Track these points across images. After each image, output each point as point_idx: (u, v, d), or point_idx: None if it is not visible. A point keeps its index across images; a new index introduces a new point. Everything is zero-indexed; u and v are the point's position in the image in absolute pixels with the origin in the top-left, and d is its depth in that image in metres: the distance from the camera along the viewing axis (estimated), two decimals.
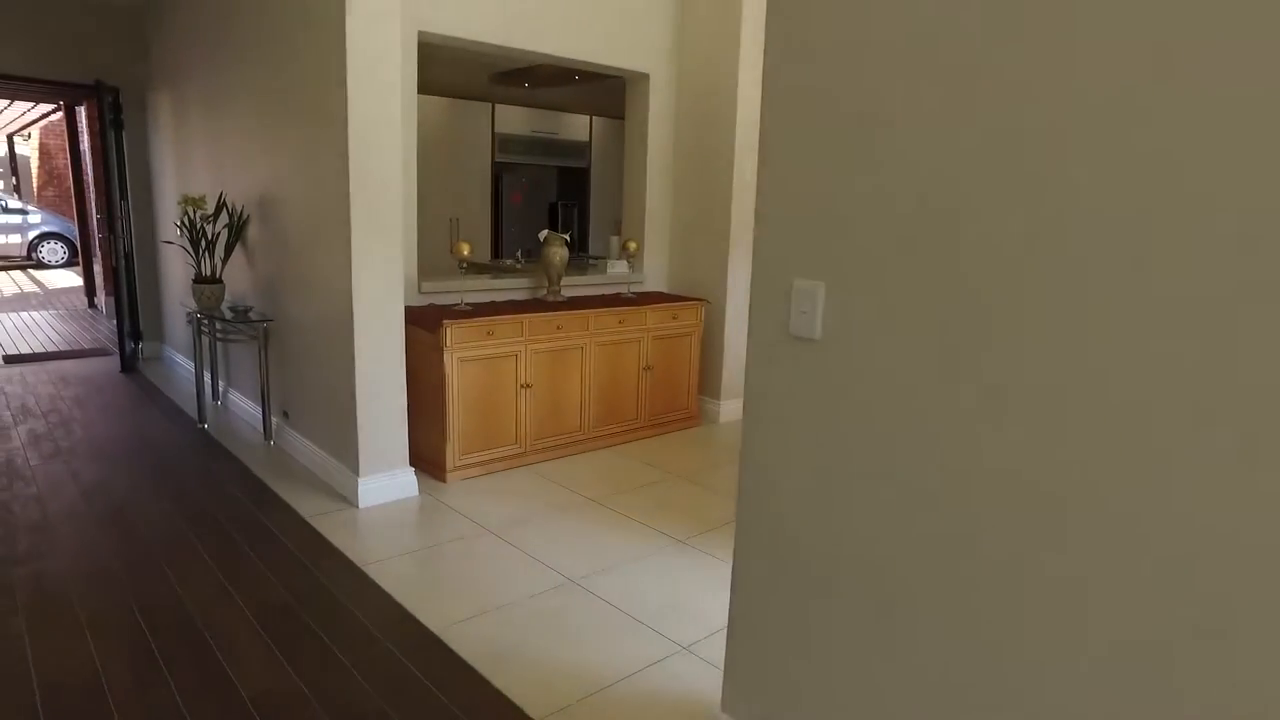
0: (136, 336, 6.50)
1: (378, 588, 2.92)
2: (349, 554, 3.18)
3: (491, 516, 3.60)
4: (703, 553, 3.30)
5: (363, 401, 3.59)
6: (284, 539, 3.29)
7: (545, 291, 4.62)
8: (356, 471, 3.64)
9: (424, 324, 3.91)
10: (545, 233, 4.49)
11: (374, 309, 3.55)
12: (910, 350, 1.50)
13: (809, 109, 1.65)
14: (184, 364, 6.03)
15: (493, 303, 4.43)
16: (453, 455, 3.99)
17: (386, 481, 3.71)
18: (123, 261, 6.13)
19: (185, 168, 5.55)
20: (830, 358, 1.67)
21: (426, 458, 4.11)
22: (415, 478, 3.83)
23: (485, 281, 4.53)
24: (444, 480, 3.99)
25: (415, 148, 4.11)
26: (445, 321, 3.81)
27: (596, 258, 6.64)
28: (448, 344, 3.84)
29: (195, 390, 4.88)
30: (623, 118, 8.94)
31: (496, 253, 7.87)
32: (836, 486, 1.68)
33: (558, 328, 4.28)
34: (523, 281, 4.66)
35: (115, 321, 6.41)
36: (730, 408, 5.39)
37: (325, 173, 3.59)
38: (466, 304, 4.27)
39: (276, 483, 3.92)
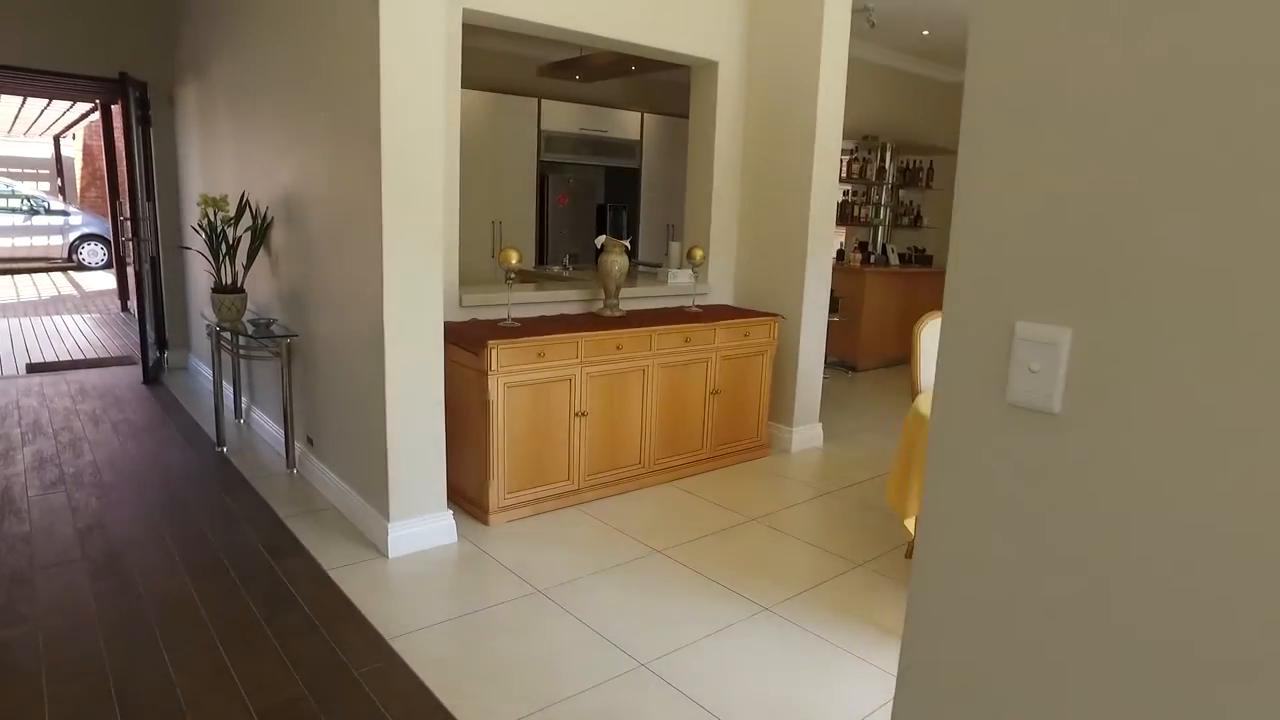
0: (162, 345, 6.11)
1: (407, 670, 2.40)
2: (375, 621, 2.67)
3: (542, 572, 3.07)
4: (794, 624, 2.74)
5: (394, 434, 3.09)
6: (300, 599, 2.80)
7: (601, 305, 4.10)
8: (386, 515, 3.14)
9: (466, 343, 3.41)
10: (603, 238, 3.97)
11: (409, 325, 3.05)
12: (1216, 445, 0.91)
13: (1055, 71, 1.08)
14: (209, 375, 5.62)
15: (542, 318, 3.92)
16: (497, 494, 3.48)
17: (420, 527, 3.21)
18: (147, 265, 5.74)
19: (211, 167, 5.13)
20: (1076, 441, 1.08)
21: (467, 495, 3.61)
22: (454, 521, 3.32)
23: (534, 293, 4.02)
24: (486, 523, 3.47)
25: (458, 144, 3.61)
26: (491, 342, 3.30)
27: (649, 265, 6.12)
28: (493, 367, 3.33)
29: (215, 407, 4.45)
30: (676, 114, 8.47)
31: (541, 259, 7.39)
32: (1080, 662, 1.08)
33: (617, 347, 3.75)
34: (575, 293, 4.14)
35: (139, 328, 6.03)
36: (803, 435, 4.81)
37: (355, 170, 3.10)
38: (514, 319, 3.76)
39: (297, 523, 3.44)
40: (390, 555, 3.13)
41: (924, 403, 2.89)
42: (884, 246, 7.71)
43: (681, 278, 4.68)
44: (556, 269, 6.08)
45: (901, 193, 7.98)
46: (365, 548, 3.21)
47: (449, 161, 3.57)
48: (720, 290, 4.89)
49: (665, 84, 8.34)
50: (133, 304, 8.92)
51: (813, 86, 4.39)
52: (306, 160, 3.59)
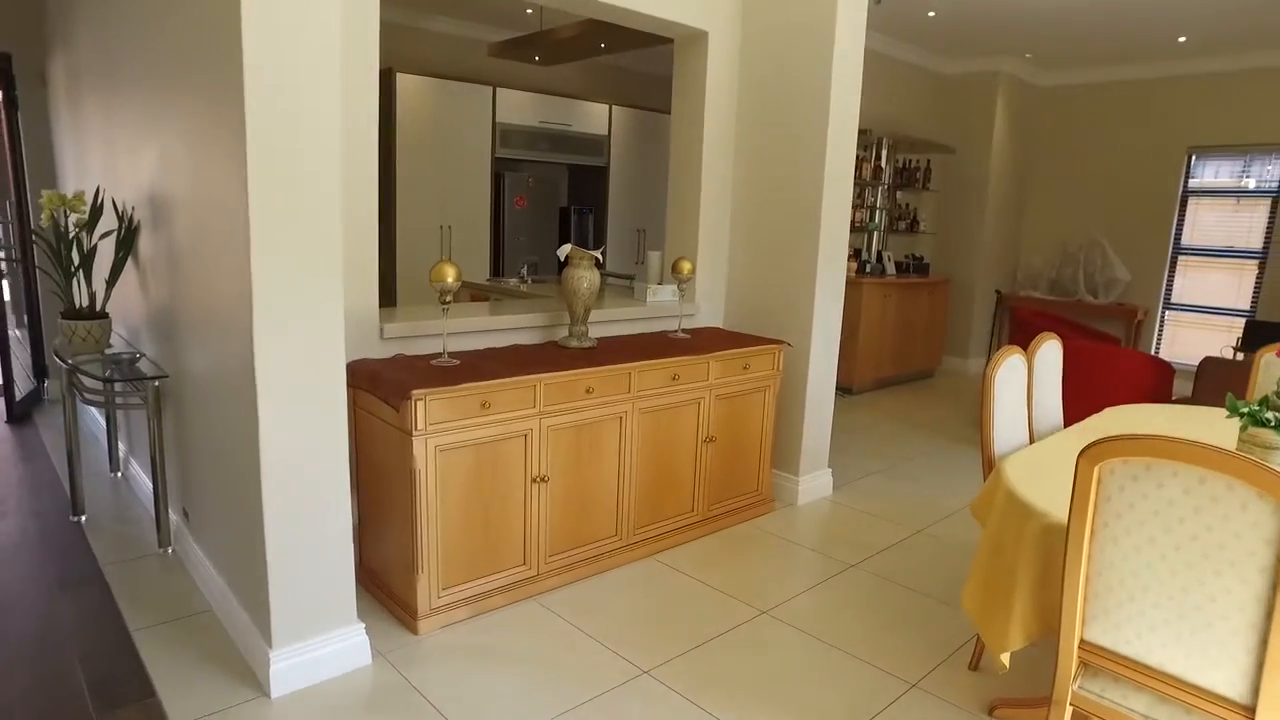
0: (40, 374, 5.12)
1: None
2: None
3: (486, 716, 2.20)
4: None
5: (275, 525, 2.20)
6: None
7: (566, 332, 3.24)
8: (268, 639, 2.25)
9: (384, 391, 2.53)
10: (567, 248, 3.11)
11: (292, 370, 2.16)
12: None
13: None
14: (98, 413, 4.63)
15: (490, 351, 3.05)
16: (428, 593, 2.60)
17: (319, 651, 2.32)
18: (6, 277, 4.76)
19: (83, 158, 4.16)
20: None
21: (390, 590, 2.73)
22: (366, 638, 2.44)
23: (478, 319, 3.14)
24: (415, 630, 2.59)
25: (374, 135, 2.73)
26: (417, 391, 2.42)
27: (619, 276, 5.28)
28: (420, 426, 2.45)
29: (84, 463, 3.49)
30: (648, 108, 7.66)
31: (497, 269, 6.51)
32: None
33: (587, 390, 2.90)
34: (533, 318, 3.27)
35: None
36: (811, 485, 3.99)
37: (217, 163, 2.21)
38: (451, 355, 2.88)
39: (151, 641, 2.53)
40: (273, 695, 2.24)
41: (1016, 479, 2.08)
42: (879, 254, 6.96)
43: (663, 295, 3.84)
44: (513, 281, 5.21)
45: (898, 194, 7.24)
46: (243, 682, 2.31)
47: (360, 157, 2.69)
48: (709, 310, 4.06)
49: (636, 75, 7.51)
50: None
51: (825, 60, 3.58)
52: (169, 148, 2.69)
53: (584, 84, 7.20)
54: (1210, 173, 7.09)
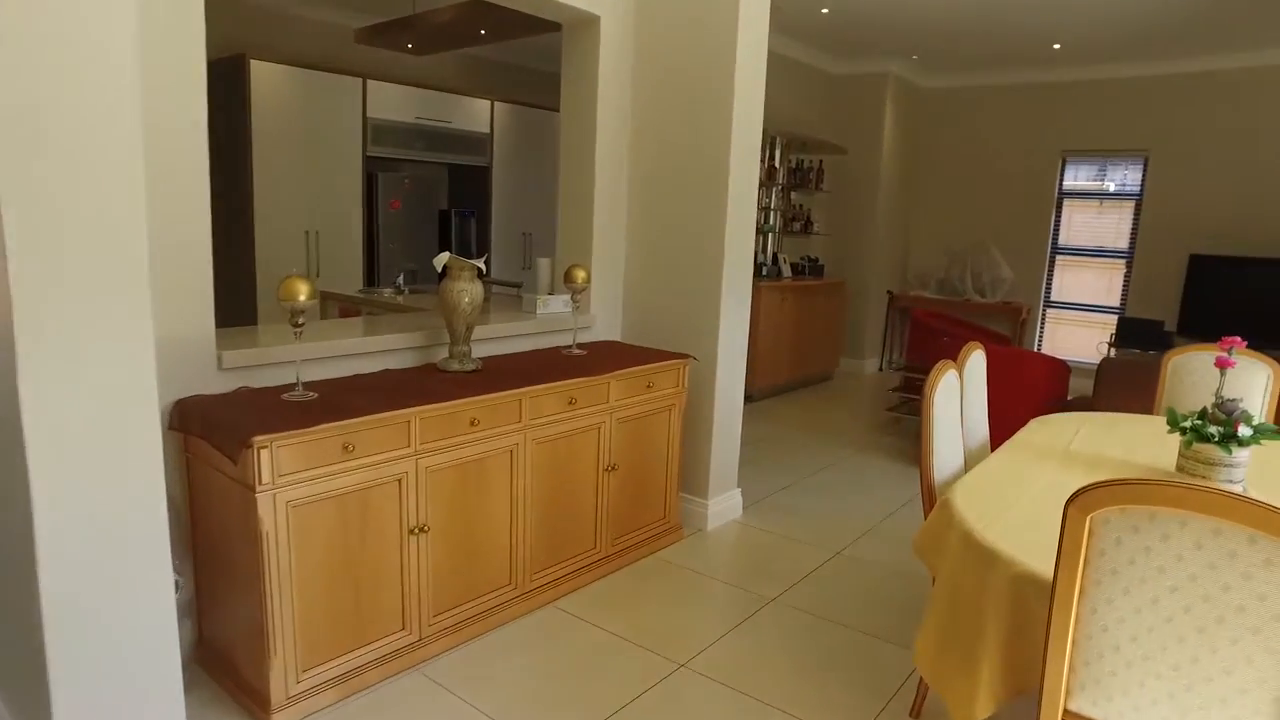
0: None
1: None
2: None
3: None
4: None
5: (58, 617, 1.71)
6: None
7: (446, 353, 2.83)
8: None
9: (218, 436, 2.06)
10: (445, 258, 2.70)
11: (78, 411, 1.68)
12: None
13: None
14: None
15: (356, 379, 2.60)
16: (284, 678, 2.14)
17: None
18: None
19: None
20: None
21: (237, 675, 2.25)
22: None
23: (343, 340, 2.68)
24: None
25: (202, 118, 2.25)
26: (260, 438, 1.97)
27: (505, 285, 4.87)
28: (264, 478, 2.00)
29: None
30: (532, 104, 7.25)
31: (371, 279, 5.96)
32: None
33: (472, 423, 2.50)
34: (407, 337, 2.84)
35: None
36: (722, 508, 3.71)
37: None
38: (307, 387, 2.42)
39: None
40: None
41: (971, 516, 1.83)
42: (775, 256, 6.80)
43: (555, 307, 3.47)
44: (388, 292, 4.72)
45: (792, 195, 7.11)
46: None
47: (185, 156, 2.20)
48: (607, 322, 3.72)
49: (520, 70, 7.09)
50: None
51: (729, 47, 3.30)
52: None
53: (464, 78, 6.73)
54: (1076, 176, 7.30)
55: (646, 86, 3.57)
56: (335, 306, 4.66)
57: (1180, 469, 2.22)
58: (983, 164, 7.61)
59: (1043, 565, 1.60)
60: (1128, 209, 7.09)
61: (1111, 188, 7.19)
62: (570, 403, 2.83)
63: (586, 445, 2.95)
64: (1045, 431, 2.70)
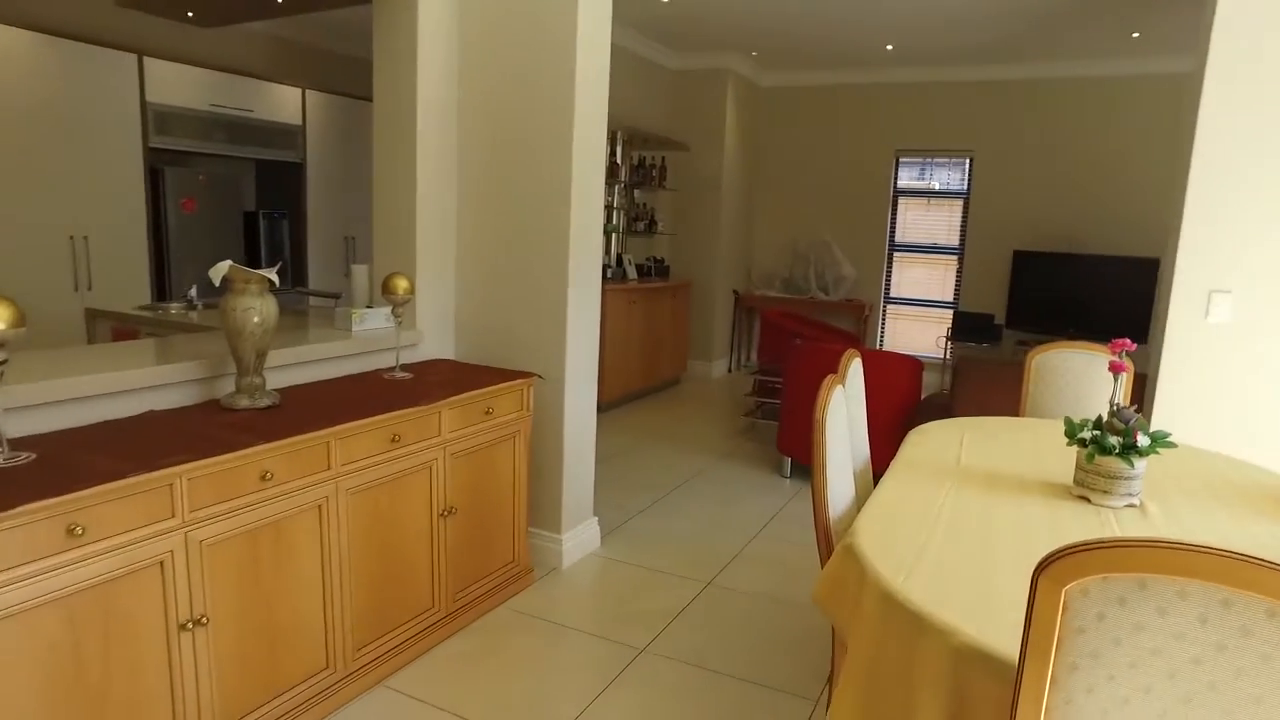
0: None
1: None
2: None
3: None
4: None
5: None
6: None
7: (234, 387, 2.26)
8: None
9: None
10: (224, 267, 2.13)
11: None
12: None
13: None
14: None
15: (105, 425, 2.00)
16: None
17: None
18: None
19: None
20: None
21: None
22: None
23: (80, 379, 2.05)
24: None
25: None
26: None
27: (325, 295, 4.26)
28: None
29: None
30: (350, 94, 6.54)
31: (161, 292, 5.11)
32: None
33: (264, 476, 1.96)
34: (179, 369, 2.24)
35: None
36: (578, 542, 3.31)
37: None
38: (22, 445, 1.81)
39: None
40: None
41: (886, 568, 1.52)
42: (620, 257, 6.49)
43: (374, 322, 2.95)
44: (177, 308, 3.98)
45: (635, 193, 6.81)
46: None
47: None
48: (437, 338, 3.23)
49: (334, 56, 6.37)
50: None
51: (569, 27, 2.90)
52: None
53: (269, 62, 5.95)
54: (907, 176, 7.47)
55: (475, 69, 3.11)
56: (108, 327, 3.88)
57: (1080, 483, 2.04)
58: (822, 162, 7.64)
59: (986, 632, 1.31)
60: (957, 207, 7.31)
61: (936, 186, 7.40)
62: (393, 440, 2.34)
63: (416, 489, 2.47)
64: (928, 445, 2.48)
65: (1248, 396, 3.26)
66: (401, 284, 2.64)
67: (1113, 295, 6.44)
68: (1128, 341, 2.11)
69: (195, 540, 1.80)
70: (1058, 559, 1.05)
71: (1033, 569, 1.08)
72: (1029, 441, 2.57)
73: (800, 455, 4.47)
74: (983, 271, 7.15)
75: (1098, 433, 2.01)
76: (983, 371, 4.08)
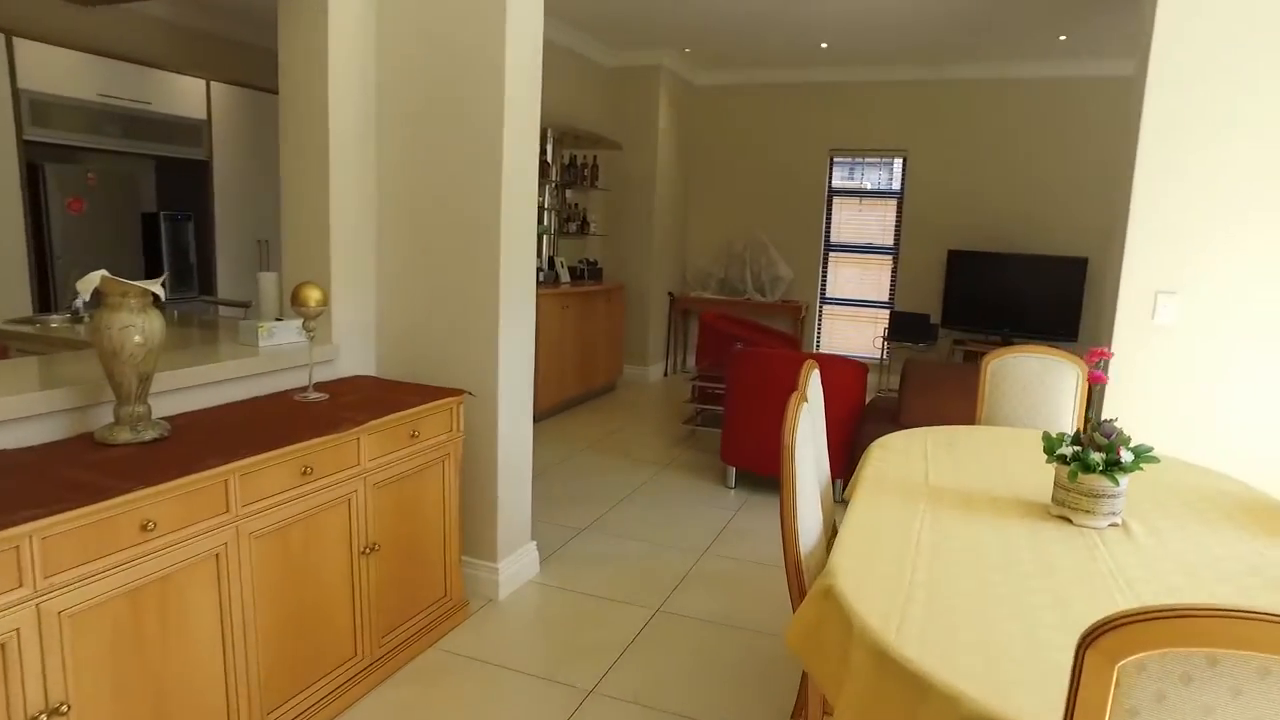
0: None
1: None
2: None
3: None
4: None
5: None
6: None
7: (112, 418, 1.95)
8: None
9: None
10: (95, 278, 1.83)
11: None
12: None
13: None
14: None
15: None
16: None
17: None
18: None
19: None
20: None
21: None
22: None
23: None
24: None
25: None
26: None
27: (233, 304, 3.90)
28: None
29: None
30: (259, 87, 6.10)
31: (45, 303, 4.65)
32: None
33: (146, 527, 1.67)
34: (41, 398, 1.92)
35: None
36: (515, 570, 3.07)
37: None
38: None
39: None
40: None
41: (875, 619, 1.34)
42: (552, 260, 6.24)
43: (283, 337, 2.65)
44: (59, 321, 3.58)
45: (568, 192, 6.57)
46: None
47: None
48: (356, 353, 2.94)
49: (241, 46, 5.94)
50: None
51: (497, 15, 2.66)
52: None
53: (167, 51, 5.50)
54: (841, 175, 7.43)
55: (396, 57, 2.84)
56: None
57: (1060, 502, 1.90)
58: (757, 162, 7.53)
59: (997, 695, 1.13)
60: (891, 207, 7.29)
61: (869, 186, 7.37)
62: (305, 473, 2.06)
63: (332, 526, 2.19)
64: (891, 460, 2.33)
65: (1196, 398, 3.22)
66: (312, 294, 2.35)
67: (1043, 294, 6.49)
68: (1105, 351, 1.98)
69: (51, 612, 1.50)
70: (1109, 630, 0.87)
71: (1041, 621, 0.90)
72: (994, 453, 2.44)
73: (746, 465, 4.31)
74: (918, 271, 7.14)
75: (1078, 448, 1.88)
76: (930, 374, 3.99)
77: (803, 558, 1.74)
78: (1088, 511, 1.85)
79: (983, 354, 6.59)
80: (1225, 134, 3.05)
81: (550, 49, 6.06)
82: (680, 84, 7.29)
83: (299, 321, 2.59)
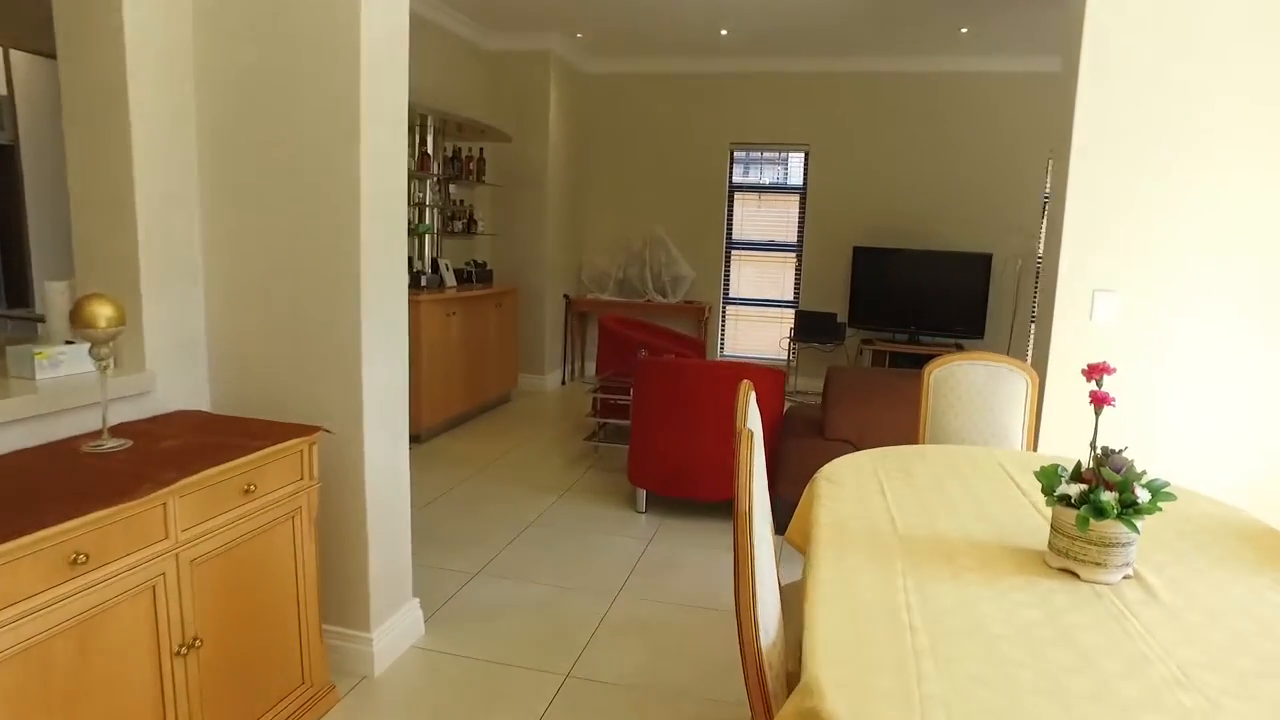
0: None
1: None
2: None
3: None
4: None
5: None
6: None
7: None
8: None
9: None
10: None
11: None
12: None
13: None
14: None
15: None
16: None
17: None
18: None
19: None
20: None
21: None
22: None
23: None
24: None
25: None
26: None
27: (29, 318, 3.18)
28: None
29: None
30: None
31: None
32: None
33: None
34: None
35: None
36: (394, 637, 2.54)
37: None
38: None
39: None
40: None
41: None
42: (435, 262, 5.66)
43: (76, 365, 2.04)
44: None
45: (451, 188, 5.99)
46: None
47: None
48: (181, 380, 2.34)
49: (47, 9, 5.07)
50: None
51: None
52: None
53: None
54: (742, 170, 7.15)
55: (217, 10, 2.26)
56: None
57: (1060, 552, 1.55)
58: (655, 156, 7.15)
59: None
60: (794, 202, 7.05)
61: (767, 181, 7.11)
62: (75, 562, 1.49)
63: (127, 625, 1.63)
64: (844, 498, 1.95)
65: (1140, 402, 3.01)
66: (101, 311, 1.77)
67: (949, 291, 6.38)
68: (1106, 365, 1.65)
69: None
70: None
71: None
72: (956, 483, 2.10)
73: (657, 487, 3.89)
74: (823, 269, 6.93)
75: (1084, 487, 1.54)
76: (855, 382, 3.68)
77: (764, 651, 1.32)
78: (1098, 564, 1.51)
79: (891, 353, 6.46)
80: (1161, 121, 2.86)
81: (425, 28, 5.49)
82: (572, 72, 6.83)
83: (93, 351, 1.98)
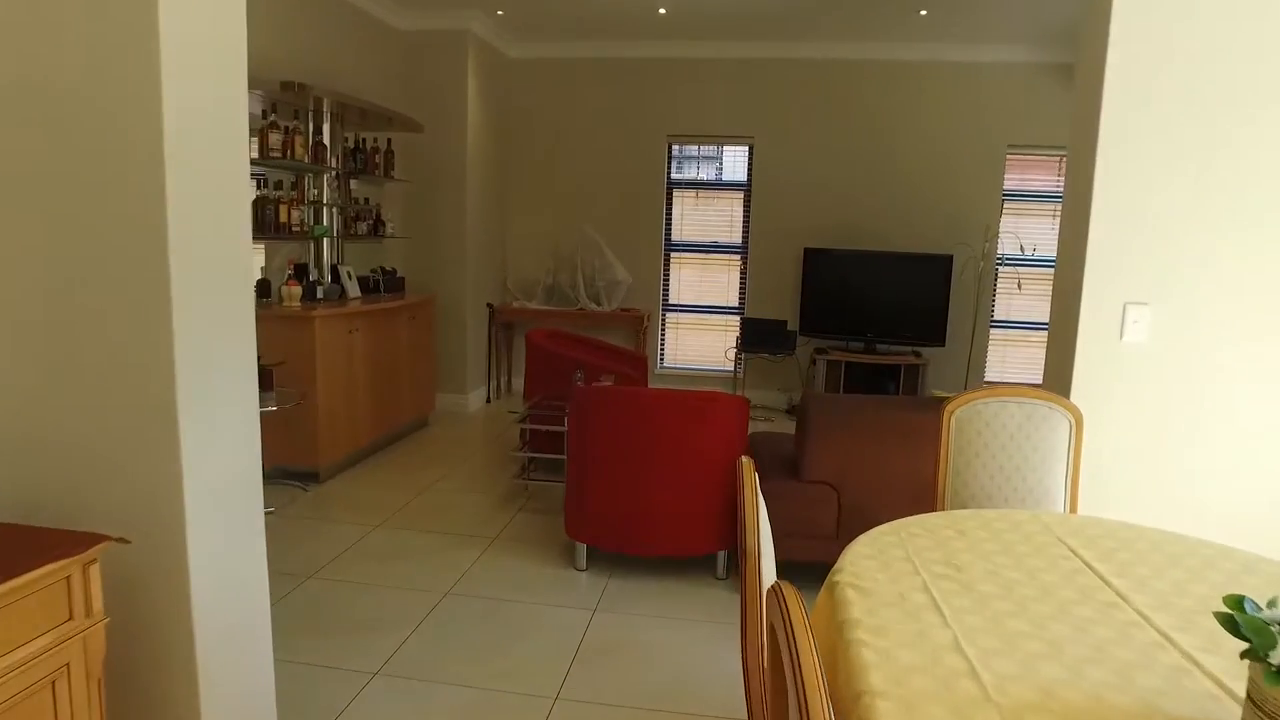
0: None
1: None
2: None
3: None
4: None
5: None
6: None
7: None
8: None
9: None
10: None
11: None
12: None
13: None
14: None
15: None
16: None
17: None
18: None
19: None
20: None
21: None
22: None
23: None
24: None
25: None
26: None
27: None
28: None
29: None
30: None
31: None
32: None
33: None
34: None
35: None
36: None
37: None
38: None
39: None
40: None
41: None
42: (335, 270, 4.89)
43: None
44: None
45: (354, 184, 5.22)
46: None
47: None
48: None
49: None
50: None
51: None
52: None
53: None
54: (681, 165, 6.56)
55: None
56: None
57: None
58: (586, 149, 6.48)
59: None
60: (738, 199, 6.48)
61: (709, 177, 6.55)
62: None
63: None
64: (890, 631, 1.34)
65: (1177, 431, 2.51)
66: None
67: (908, 296, 5.91)
68: None
69: None
70: None
71: None
72: (1027, 582, 1.51)
73: (600, 542, 3.25)
74: (770, 272, 6.38)
75: None
76: (833, 412, 3.09)
77: None
78: None
79: (848, 363, 5.94)
80: (1194, 117, 2.37)
81: (327, 4, 4.72)
82: (493, 55, 6.12)
83: None
